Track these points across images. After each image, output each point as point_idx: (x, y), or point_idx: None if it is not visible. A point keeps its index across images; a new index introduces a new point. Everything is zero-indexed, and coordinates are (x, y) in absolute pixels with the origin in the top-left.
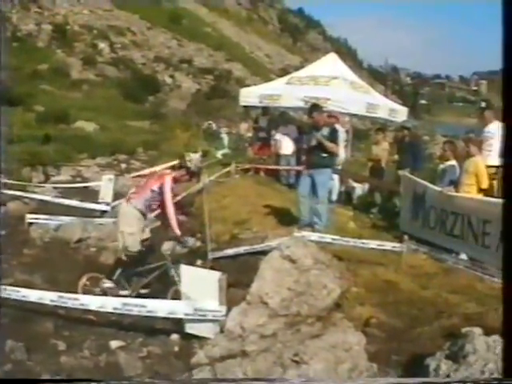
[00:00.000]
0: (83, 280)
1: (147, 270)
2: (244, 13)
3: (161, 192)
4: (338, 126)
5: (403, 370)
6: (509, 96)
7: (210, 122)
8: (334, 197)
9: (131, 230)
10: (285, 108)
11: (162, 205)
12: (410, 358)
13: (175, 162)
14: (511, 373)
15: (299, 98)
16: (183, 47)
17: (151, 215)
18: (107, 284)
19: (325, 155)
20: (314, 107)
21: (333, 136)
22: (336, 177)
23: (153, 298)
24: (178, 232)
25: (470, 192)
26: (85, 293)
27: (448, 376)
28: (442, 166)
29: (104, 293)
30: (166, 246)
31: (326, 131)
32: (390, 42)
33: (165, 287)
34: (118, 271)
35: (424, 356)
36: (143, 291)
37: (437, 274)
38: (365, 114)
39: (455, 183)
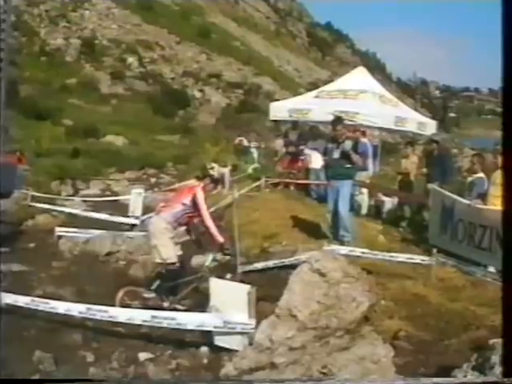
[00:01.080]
0: (120, 294)
1: (184, 283)
2: (272, 27)
3: (193, 204)
4: (365, 140)
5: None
6: (507, 111)
7: (241, 138)
8: (364, 211)
9: (163, 242)
10: (314, 122)
11: (194, 217)
12: (438, 370)
13: (198, 174)
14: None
15: (328, 112)
16: (212, 61)
17: (180, 229)
18: (148, 294)
19: (348, 166)
20: (338, 120)
21: (356, 149)
22: (365, 191)
23: (191, 310)
24: (220, 239)
25: (497, 204)
26: (123, 306)
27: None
28: (470, 179)
29: (144, 304)
30: (198, 259)
31: (349, 144)
32: (418, 55)
33: (203, 300)
34: (157, 283)
35: (452, 368)
36: (181, 304)
37: (465, 286)
38: (394, 128)
39: (483, 196)
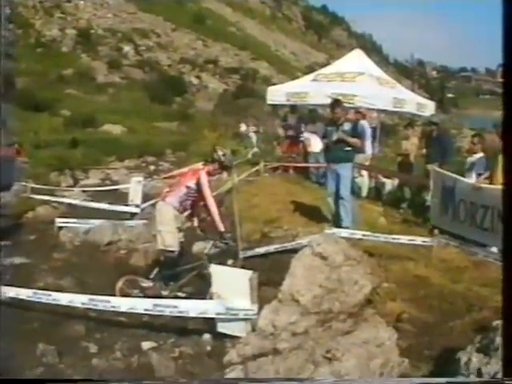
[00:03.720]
0: (120, 283)
1: (185, 271)
2: (268, 11)
3: (198, 188)
4: (363, 122)
5: (435, 364)
6: (508, 91)
7: (244, 123)
8: (364, 193)
9: (169, 229)
10: (312, 105)
11: (197, 201)
12: (442, 352)
13: (207, 159)
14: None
15: (326, 95)
16: (208, 47)
17: (184, 214)
18: (145, 283)
19: (348, 149)
20: (336, 103)
21: (355, 131)
22: (365, 173)
23: (192, 298)
24: (221, 228)
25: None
26: (123, 295)
27: (479, 370)
28: (470, 159)
29: (144, 293)
30: (199, 246)
31: (347, 126)
32: (415, 36)
33: (203, 287)
34: (155, 271)
35: (456, 350)
36: (182, 292)
37: (467, 267)
38: (392, 109)
39: (484, 175)
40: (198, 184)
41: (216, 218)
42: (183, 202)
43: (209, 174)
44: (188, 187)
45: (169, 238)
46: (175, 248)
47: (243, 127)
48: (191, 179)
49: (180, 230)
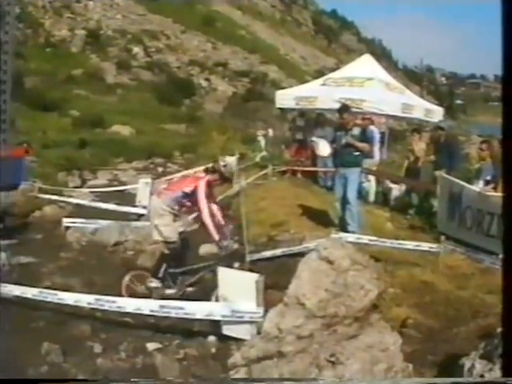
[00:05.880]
0: (126, 279)
1: (193, 270)
2: (278, 15)
3: (194, 195)
4: (372, 127)
5: (439, 370)
6: (508, 94)
7: (263, 131)
8: (372, 198)
9: (164, 222)
10: (321, 110)
11: (192, 208)
12: (446, 358)
13: (209, 165)
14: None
15: (335, 100)
16: (218, 50)
17: (186, 216)
18: (154, 283)
19: (356, 154)
20: (344, 108)
21: (364, 136)
22: (373, 178)
23: (198, 298)
24: (216, 237)
25: None
26: (128, 292)
27: (482, 376)
28: (477, 166)
29: (149, 292)
30: (205, 248)
31: (356, 131)
32: (424, 42)
33: (209, 288)
34: (163, 267)
35: (460, 356)
36: (189, 290)
37: (473, 274)
38: (400, 115)
39: (491, 183)
40: (195, 192)
41: (210, 228)
42: (176, 204)
43: (208, 183)
44: (184, 192)
45: (165, 230)
46: (174, 238)
47: (262, 131)
48: (189, 185)
49: (175, 221)
